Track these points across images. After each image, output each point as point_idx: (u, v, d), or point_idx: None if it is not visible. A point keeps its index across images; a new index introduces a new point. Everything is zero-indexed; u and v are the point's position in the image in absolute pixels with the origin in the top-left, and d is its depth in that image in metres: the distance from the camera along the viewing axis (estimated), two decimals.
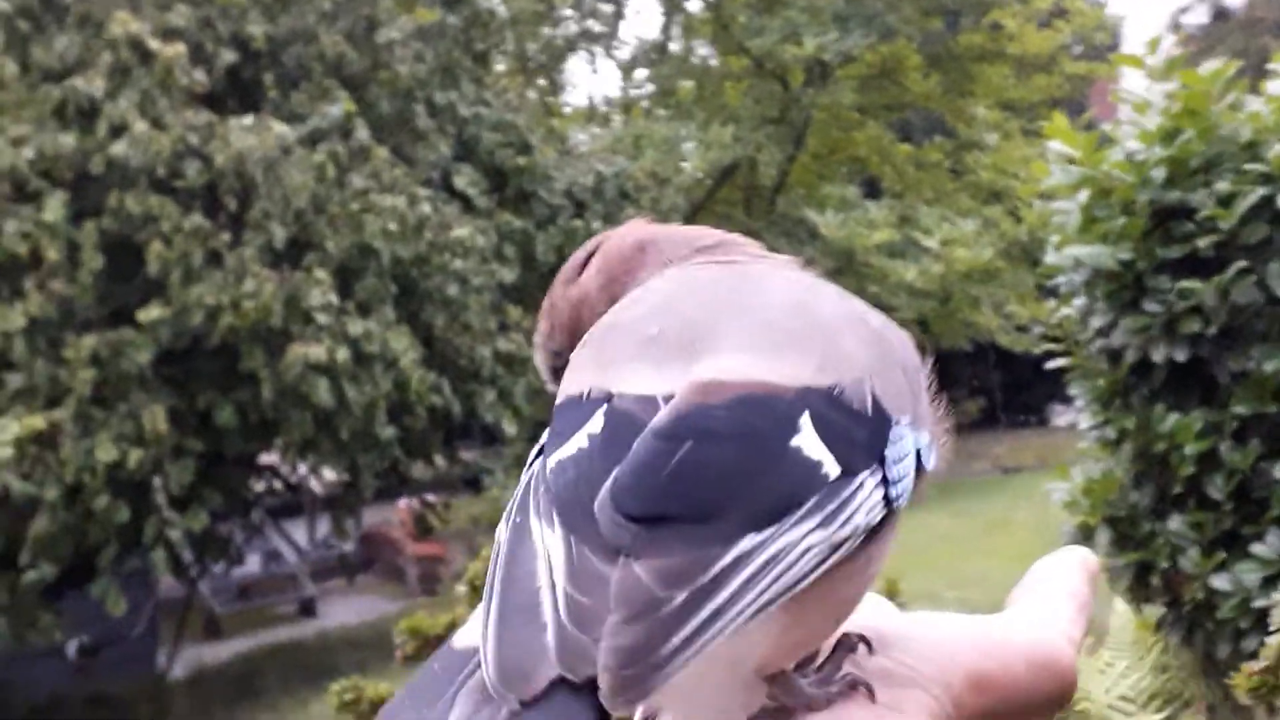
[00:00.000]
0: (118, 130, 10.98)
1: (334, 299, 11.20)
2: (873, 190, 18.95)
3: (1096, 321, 4.07)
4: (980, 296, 16.81)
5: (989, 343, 17.88)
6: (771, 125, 16.24)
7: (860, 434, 0.70)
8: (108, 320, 11.00)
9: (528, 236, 14.13)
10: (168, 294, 10.75)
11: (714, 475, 0.66)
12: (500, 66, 16.08)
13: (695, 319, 0.75)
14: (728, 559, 0.62)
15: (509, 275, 13.27)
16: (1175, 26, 28.45)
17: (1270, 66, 4.21)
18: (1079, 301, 4.18)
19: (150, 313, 10.60)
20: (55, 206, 10.65)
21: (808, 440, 0.68)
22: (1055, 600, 0.81)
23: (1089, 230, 4.04)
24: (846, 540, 0.66)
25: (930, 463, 0.75)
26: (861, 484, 0.68)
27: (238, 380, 11.09)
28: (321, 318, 11.02)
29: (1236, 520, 3.77)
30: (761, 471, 0.66)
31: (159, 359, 10.82)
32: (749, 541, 0.63)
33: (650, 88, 18.46)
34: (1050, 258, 4.30)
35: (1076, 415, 4.43)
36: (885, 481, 0.70)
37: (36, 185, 10.86)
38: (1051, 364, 4.49)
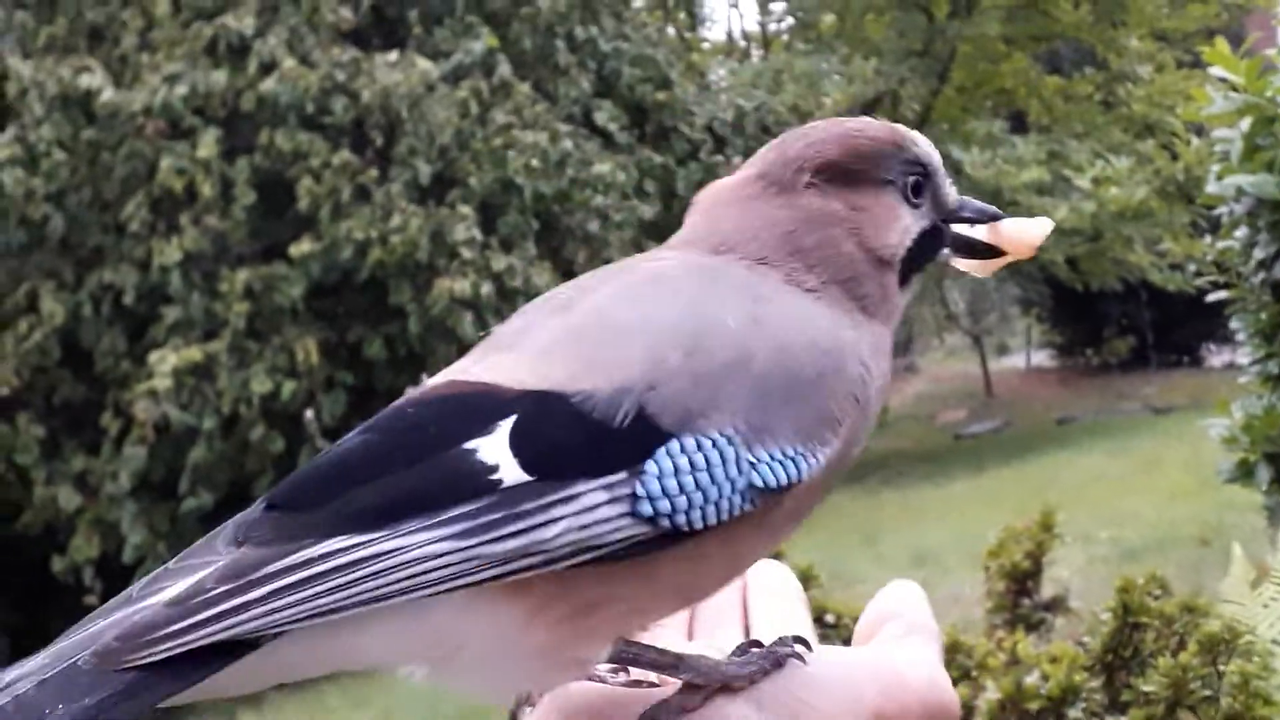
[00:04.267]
0: (267, 68, 11.24)
1: (478, 234, 11.36)
2: (1020, 125, 18.49)
3: (1260, 253, 3.94)
4: (1133, 235, 16.34)
5: (1140, 281, 17.39)
6: (915, 58, 15.93)
7: (584, 443, 0.66)
8: (261, 255, 11.32)
9: (668, 172, 14.13)
10: (318, 229, 11.03)
11: (338, 471, 0.66)
12: (639, 2, 16.05)
13: (532, 320, 0.75)
14: (298, 557, 0.62)
15: (649, 211, 13.30)
16: None
17: None
18: (1241, 233, 4.06)
19: (301, 247, 10.89)
20: (209, 143, 10.97)
21: (492, 444, 0.66)
22: (923, 638, 0.77)
23: (1252, 159, 3.91)
24: (526, 553, 0.64)
25: (797, 476, 0.70)
26: (575, 495, 0.65)
27: (386, 314, 11.34)
28: (466, 253, 11.20)
29: None
30: (396, 470, 0.65)
31: (310, 293, 11.11)
32: (335, 543, 0.63)
33: (790, 21, 18.25)
34: (1211, 188, 4.17)
35: (1235, 351, 4.32)
36: (636, 496, 0.66)
37: (190, 122, 11.19)
38: (1212, 297, 4.38)
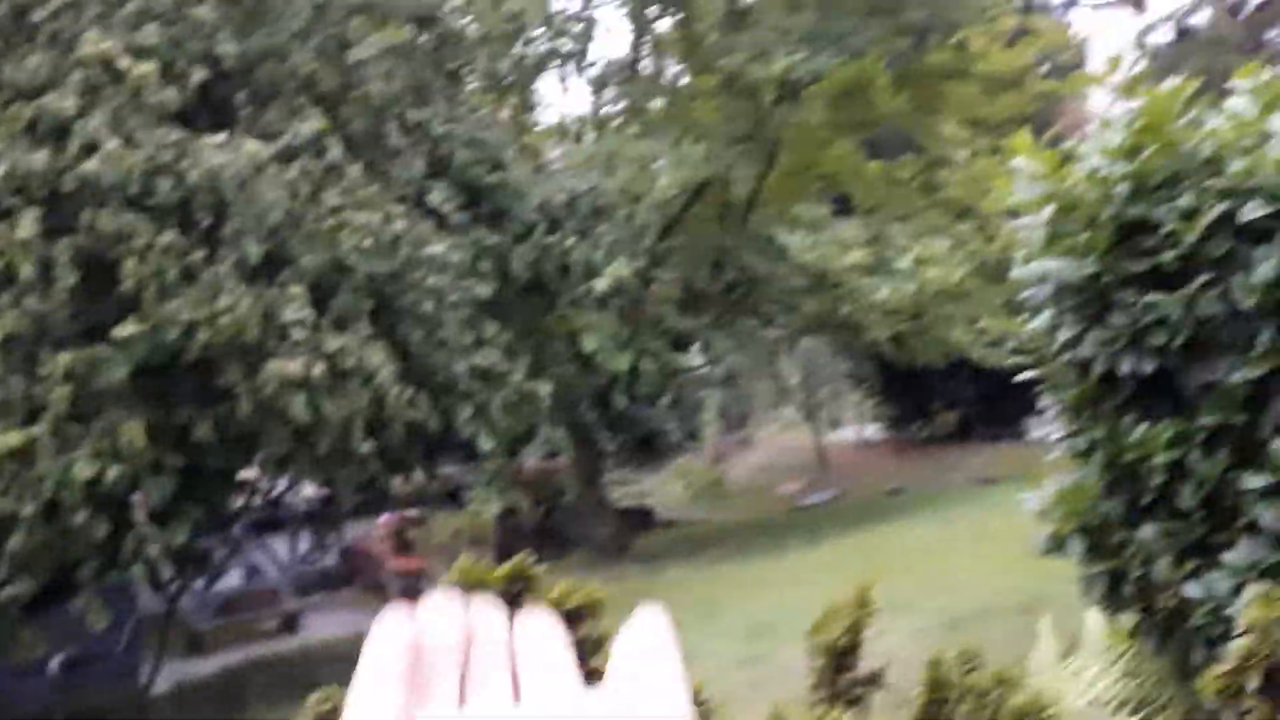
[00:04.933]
0: (89, 148, 10.97)
1: (309, 315, 11.19)
2: (847, 208, 19.07)
3: (1064, 334, 4.15)
4: (953, 314, 16.95)
5: (962, 357, 18.02)
6: (743, 143, 16.34)
7: None
8: (83, 337, 10.97)
9: (503, 252, 14.17)
10: (143, 310, 10.74)
11: None
12: (472, 85, 16.13)
13: None
14: None
15: (485, 290, 13.30)
16: (1140, 45, 28.70)
17: (1230, 84, 4.31)
18: (1047, 315, 4.26)
19: (125, 329, 10.58)
20: (28, 224, 10.63)
21: None
22: (672, 681, 0.74)
23: (1055, 245, 4.13)
24: None
25: None
26: None
27: (216, 395, 11.07)
28: (297, 333, 11.02)
29: (1207, 529, 3.84)
30: None
31: (137, 374, 10.78)
32: None
33: (622, 105, 18.55)
34: (1017, 272, 4.38)
35: (1048, 427, 4.51)
36: None
37: (9, 203, 10.83)
38: (1021, 377, 4.57)
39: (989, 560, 9.53)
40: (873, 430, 28.62)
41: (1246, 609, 2.92)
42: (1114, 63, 5.01)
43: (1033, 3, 21.89)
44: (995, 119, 16.86)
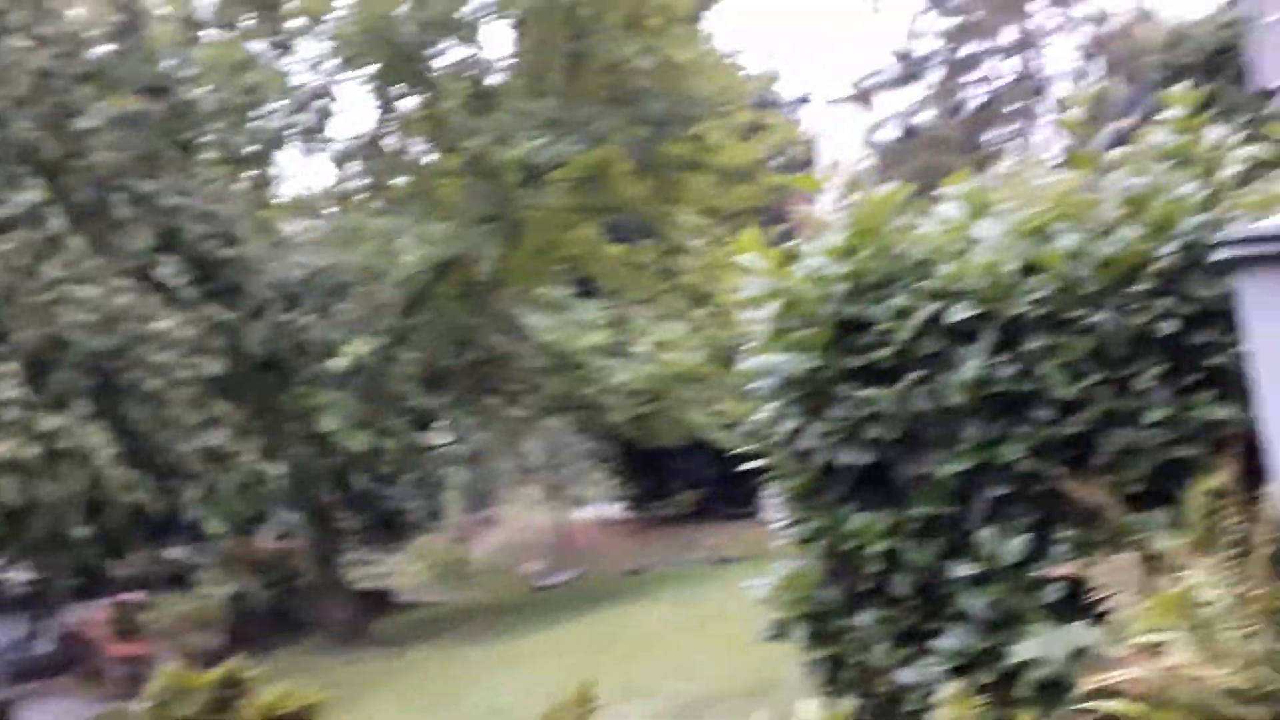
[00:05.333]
0: None
1: (24, 393, 10.58)
2: (590, 290, 19.30)
3: (788, 425, 4.27)
4: (692, 397, 17.31)
5: (702, 439, 18.37)
6: (487, 222, 16.36)
7: None
8: None
9: (236, 329, 13.73)
10: None
11: None
12: (208, 156, 15.67)
13: None
14: None
15: (215, 368, 12.83)
16: (868, 142, 30.23)
17: (939, 191, 4.56)
18: (773, 406, 4.38)
19: None
20: None
21: None
22: None
23: (779, 339, 4.25)
24: None
25: None
26: None
27: None
28: (10, 413, 10.40)
29: (919, 616, 3.99)
30: None
31: None
32: None
33: (366, 180, 18.33)
34: (745, 364, 4.50)
35: (775, 513, 4.61)
36: None
37: None
38: (749, 465, 4.68)
39: (723, 643, 9.66)
40: (615, 509, 28.82)
41: (940, 707, 3.06)
42: (832, 169, 5.26)
43: (767, 99, 22.82)
44: (731, 209, 17.41)
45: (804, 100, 29.74)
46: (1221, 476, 3.28)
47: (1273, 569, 3.06)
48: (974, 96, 29.94)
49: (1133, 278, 3.77)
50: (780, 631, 4.35)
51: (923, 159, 26.13)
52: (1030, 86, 29.32)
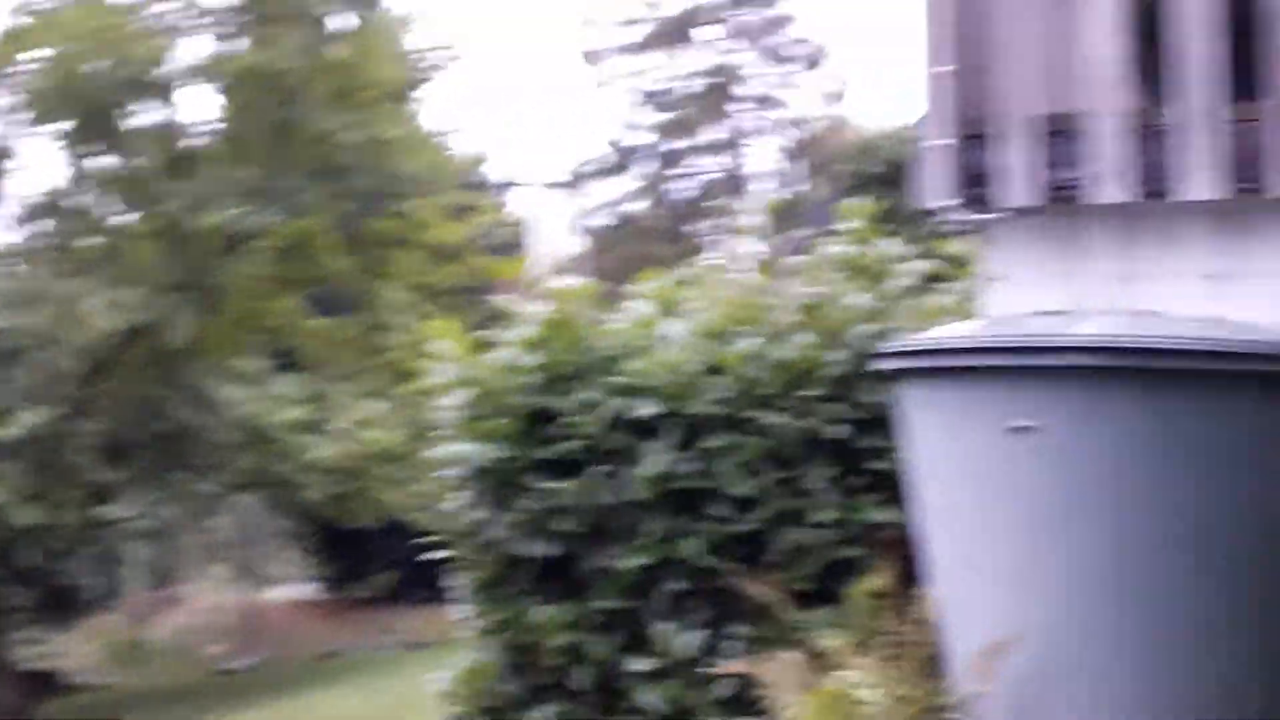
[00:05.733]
0: None
1: None
2: (289, 364, 18.80)
3: (476, 515, 4.25)
4: (390, 475, 17.04)
5: (400, 519, 18.09)
6: (182, 290, 15.78)
7: None
8: None
9: None
10: None
11: None
12: None
13: None
14: None
15: None
16: (580, 228, 30.76)
17: (634, 286, 4.68)
18: (460, 495, 4.36)
19: None
20: None
21: None
22: None
23: (470, 427, 4.24)
24: None
25: None
26: None
27: None
28: None
29: (598, 711, 4.02)
30: None
31: None
32: None
33: (53, 240, 17.39)
34: (437, 451, 4.47)
35: (461, 605, 4.55)
36: None
37: None
38: (436, 555, 4.62)
39: None
40: (309, 589, 27.94)
41: None
42: (522, 261, 5.36)
43: (475, 181, 22.95)
44: (439, 286, 17.35)
45: (513, 184, 30.10)
46: (881, 577, 3.45)
47: (927, 669, 3.22)
48: (682, 190, 30.95)
49: (806, 382, 3.96)
50: None
51: (632, 248, 26.76)
52: (734, 184, 30.58)
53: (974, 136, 3.90)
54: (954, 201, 3.90)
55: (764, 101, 30.68)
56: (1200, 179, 3.62)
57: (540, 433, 4.13)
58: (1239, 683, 2.84)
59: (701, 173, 31.04)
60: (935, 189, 3.92)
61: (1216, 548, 2.76)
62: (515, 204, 30.46)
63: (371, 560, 24.74)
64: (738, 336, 4.14)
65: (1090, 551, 2.80)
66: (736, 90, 30.63)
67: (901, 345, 3.32)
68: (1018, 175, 3.81)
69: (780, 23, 30.08)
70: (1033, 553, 2.88)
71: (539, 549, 4.08)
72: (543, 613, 4.03)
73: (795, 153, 29.40)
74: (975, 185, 3.90)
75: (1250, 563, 2.78)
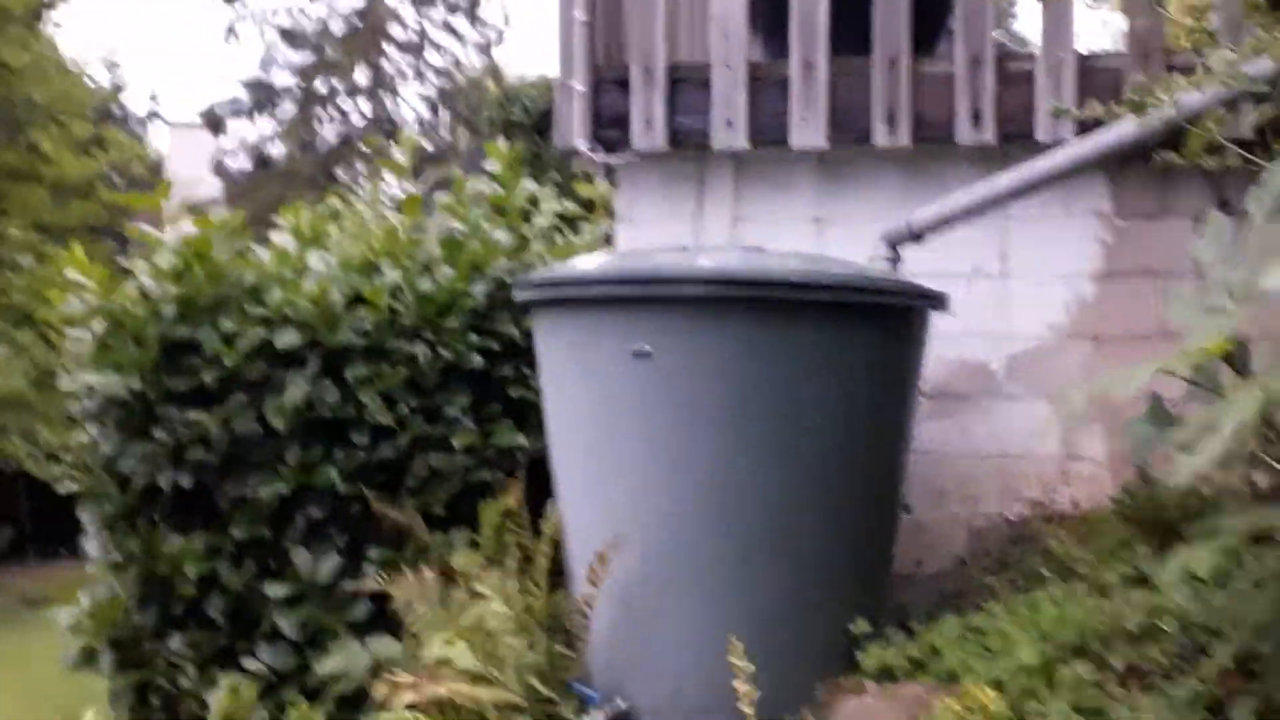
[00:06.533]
0: None
1: None
2: None
3: (107, 448, 4.16)
4: (10, 424, 16.02)
5: (17, 470, 17.01)
6: None
7: None
8: None
9: None
10: None
11: None
12: None
13: None
14: None
15: None
16: (218, 169, 29.54)
17: (276, 220, 4.68)
18: (93, 428, 4.25)
19: None
20: None
21: None
22: None
23: (103, 358, 4.14)
24: None
25: None
26: None
27: None
28: None
29: (232, 638, 4.03)
30: None
31: None
32: None
33: None
34: (65, 384, 4.33)
35: (90, 542, 4.44)
36: None
37: None
38: (66, 488, 4.49)
39: (28, 685, 9.05)
40: None
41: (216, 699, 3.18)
42: (161, 190, 5.13)
43: (112, 113, 21.69)
44: (65, 226, 16.37)
45: (152, 118, 28.62)
46: (512, 497, 3.63)
47: (550, 581, 3.43)
48: (328, 133, 30.25)
49: (447, 314, 4.08)
50: (86, 660, 4.20)
51: (274, 190, 25.95)
52: (383, 129, 30.14)
53: (606, 83, 4.13)
54: (588, 145, 4.11)
55: (417, 47, 30.37)
56: (807, 129, 3.97)
57: (177, 364, 4.08)
58: (832, 565, 3.19)
59: (349, 117, 30.43)
60: (571, 132, 4.13)
61: (805, 449, 3.09)
62: (155, 141, 29.06)
63: None
64: (381, 270, 4.21)
65: (694, 460, 3.07)
66: (391, 33, 30.17)
67: (534, 278, 3.49)
68: (644, 121, 4.06)
69: None
70: (645, 465, 3.12)
71: (174, 480, 4.04)
72: (178, 543, 4.01)
73: (446, 99, 29.28)
74: (607, 129, 4.13)
75: (832, 457, 3.13)
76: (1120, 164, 3.75)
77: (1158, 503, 3.13)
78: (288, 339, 4.01)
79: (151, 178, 23.07)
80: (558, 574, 3.44)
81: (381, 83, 30.71)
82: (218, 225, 4.33)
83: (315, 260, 4.25)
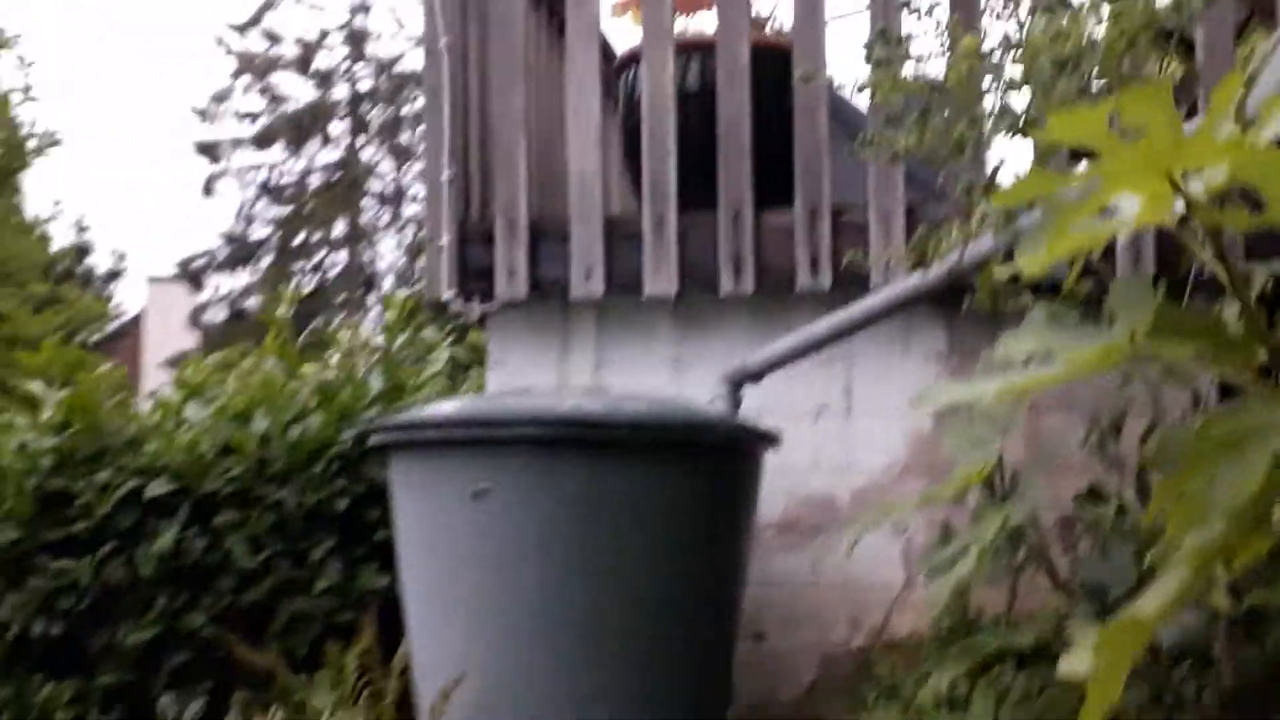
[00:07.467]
0: None
1: None
2: None
3: None
4: None
5: None
6: None
7: None
8: None
9: None
10: None
11: None
12: None
13: None
14: None
15: None
16: (195, 322, 29.87)
17: (173, 377, 4.81)
18: None
19: None
20: None
21: None
22: None
23: None
24: None
25: None
26: None
27: None
28: None
29: None
30: None
31: None
32: None
33: None
34: None
35: None
36: None
37: None
38: None
39: None
40: None
41: None
42: (48, 347, 5.22)
43: (79, 271, 22.10)
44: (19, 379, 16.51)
45: (117, 276, 28.99)
46: (368, 637, 3.71)
47: (397, 714, 3.50)
48: (305, 284, 30.67)
49: (315, 460, 4.21)
50: None
51: (250, 342, 26.18)
52: (359, 278, 30.60)
53: (472, 237, 4.32)
54: (454, 295, 4.29)
55: (396, 198, 31.01)
56: (660, 279, 4.15)
57: (52, 514, 4.19)
58: (670, 697, 3.27)
59: (327, 267, 30.91)
60: (439, 285, 4.30)
61: (631, 580, 3.19)
62: (126, 296, 29.39)
63: None
64: (254, 419, 4.35)
65: (527, 595, 3.17)
66: (369, 187, 30.84)
67: (388, 422, 3.62)
68: (507, 271, 4.24)
69: (407, 121, 30.57)
70: (482, 600, 3.22)
71: (45, 628, 4.12)
72: (48, 690, 4.07)
73: (415, 252, 29.78)
74: (475, 280, 4.30)
75: (667, 589, 3.24)
76: (955, 304, 3.93)
77: (969, 625, 3.23)
78: (157, 488, 4.12)
79: (127, 331, 23.39)
80: (409, 709, 3.50)
81: (359, 234, 31.28)
82: (105, 376, 4.48)
83: (191, 410, 4.39)
